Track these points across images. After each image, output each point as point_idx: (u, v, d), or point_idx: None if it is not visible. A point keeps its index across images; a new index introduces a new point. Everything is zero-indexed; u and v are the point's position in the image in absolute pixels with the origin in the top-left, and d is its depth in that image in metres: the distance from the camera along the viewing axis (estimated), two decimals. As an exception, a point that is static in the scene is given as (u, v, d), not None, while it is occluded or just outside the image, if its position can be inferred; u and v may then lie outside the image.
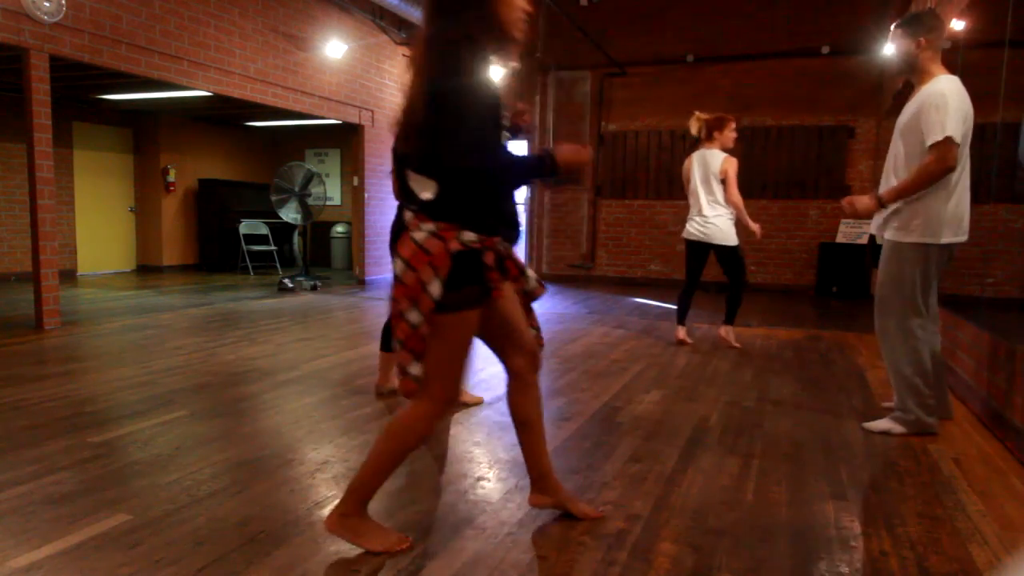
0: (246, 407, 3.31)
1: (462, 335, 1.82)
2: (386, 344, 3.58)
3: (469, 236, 1.74)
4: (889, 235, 2.99)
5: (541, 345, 2.07)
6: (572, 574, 1.82)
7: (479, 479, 2.47)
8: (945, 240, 2.88)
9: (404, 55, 9.52)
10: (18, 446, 2.69)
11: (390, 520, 2.11)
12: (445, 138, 1.68)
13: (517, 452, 2.73)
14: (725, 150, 4.99)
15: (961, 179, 2.88)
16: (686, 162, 5.17)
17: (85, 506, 2.15)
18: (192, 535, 1.98)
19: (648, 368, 4.35)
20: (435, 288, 1.72)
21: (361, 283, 9.17)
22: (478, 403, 3.44)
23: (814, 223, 9.08)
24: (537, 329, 2.08)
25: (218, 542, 1.94)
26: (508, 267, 1.88)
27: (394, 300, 1.79)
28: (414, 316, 1.76)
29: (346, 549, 1.92)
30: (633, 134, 9.86)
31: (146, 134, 10.18)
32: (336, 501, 2.24)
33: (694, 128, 5.02)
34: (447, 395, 1.86)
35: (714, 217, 5.00)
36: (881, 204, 2.94)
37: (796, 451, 2.83)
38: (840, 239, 8.65)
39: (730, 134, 4.96)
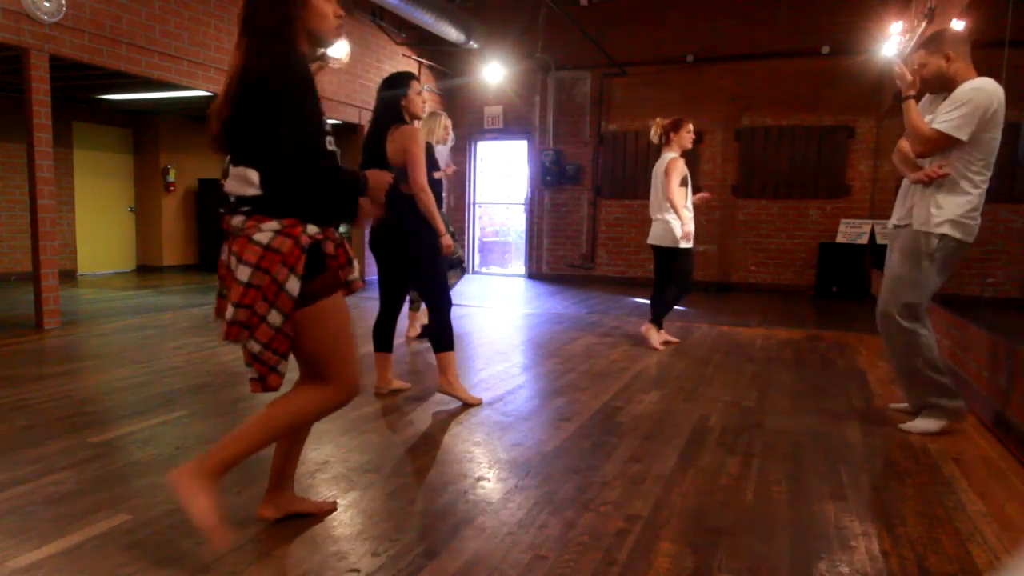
0: (246, 407, 3.31)
1: (336, 319, 1.85)
2: (381, 345, 3.59)
3: (313, 229, 1.78)
4: (925, 227, 2.96)
5: None
6: (572, 574, 1.82)
7: (479, 479, 2.47)
8: (967, 238, 2.92)
9: (404, 55, 9.53)
10: (18, 446, 2.69)
11: (390, 520, 2.11)
12: (275, 129, 1.70)
13: (517, 452, 2.74)
14: (684, 151, 5.01)
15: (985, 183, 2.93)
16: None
17: (85, 506, 2.15)
18: (192, 535, 1.98)
19: (648, 368, 4.35)
20: (293, 285, 1.73)
21: (361, 283, 9.15)
22: (477, 404, 3.44)
23: (814, 223, 9.08)
24: None
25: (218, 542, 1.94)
26: (339, 254, 1.90)
27: (245, 308, 1.72)
28: (275, 317, 1.74)
29: (346, 549, 1.92)
30: (633, 134, 9.86)
31: (146, 134, 10.18)
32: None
33: (654, 134, 5.06)
34: (349, 380, 1.87)
35: (659, 218, 5.03)
36: (906, 96, 2.98)
37: (796, 451, 2.83)
38: (840, 239, 8.65)
39: (686, 135, 4.99)
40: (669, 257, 5.04)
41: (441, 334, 3.41)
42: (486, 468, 2.58)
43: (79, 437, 2.81)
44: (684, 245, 4.95)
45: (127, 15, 5.77)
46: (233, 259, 1.77)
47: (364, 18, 8.64)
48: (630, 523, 2.12)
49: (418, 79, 3.48)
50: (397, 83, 3.35)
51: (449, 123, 5.01)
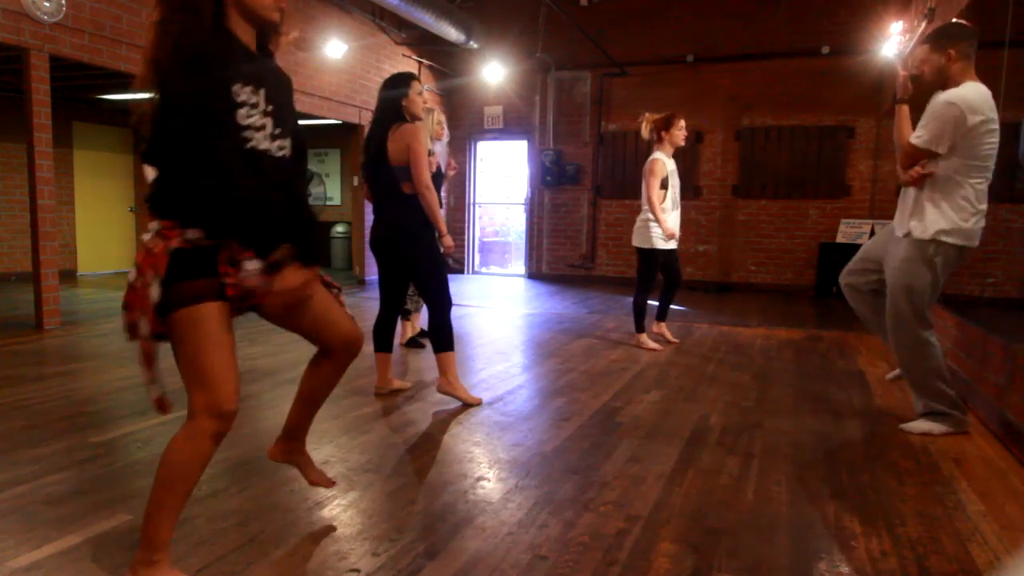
0: (246, 407, 3.31)
1: (196, 335, 1.61)
2: (381, 345, 3.58)
3: (194, 234, 1.59)
4: (939, 237, 2.93)
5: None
6: (572, 574, 1.82)
7: (479, 479, 2.47)
8: (975, 243, 2.94)
9: (404, 55, 9.53)
10: (18, 446, 2.69)
11: (390, 520, 2.11)
12: (163, 125, 1.57)
13: (517, 452, 2.74)
14: (677, 149, 4.95)
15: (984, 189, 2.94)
16: None
17: (85, 506, 2.15)
18: (192, 535, 1.98)
19: (648, 368, 4.35)
20: (154, 290, 1.59)
21: (361, 283, 9.17)
22: (477, 404, 3.44)
23: (814, 223, 9.08)
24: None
25: (218, 542, 1.94)
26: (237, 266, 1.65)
27: (128, 310, 1.64)
28: (144, 326, 1.62)
29: (346, 549, 1.92)
30: (633, 134, 9.84)
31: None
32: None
33: (645, 131, 4.97)
34: (210, 404, 1.62)
35: (639, 219, 4.98)
36: (899, 100, 3.02)
37: (796, 451, 2.83)
38: (840, 239, 8.65)
39: (678, 132, 4.88)
40: (642, 257, 4.97)
41: (441, 334, 3.41)
42: (486, 468, 2.58)
43: (79, 437, 2.81)
44: (662, 246, 4.87)
45: (127, 15, 5.77)
46: None
47: (364, 18, 8.64)
48: (630, 523, 2.12)
49: (419, 80, 3.48)
50: (398, 83, 3.35)
51: (443, 118, 5.00)
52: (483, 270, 11.41)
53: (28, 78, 5.10)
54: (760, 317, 6.75)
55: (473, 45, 9.32)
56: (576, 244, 10.36)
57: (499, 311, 6.78)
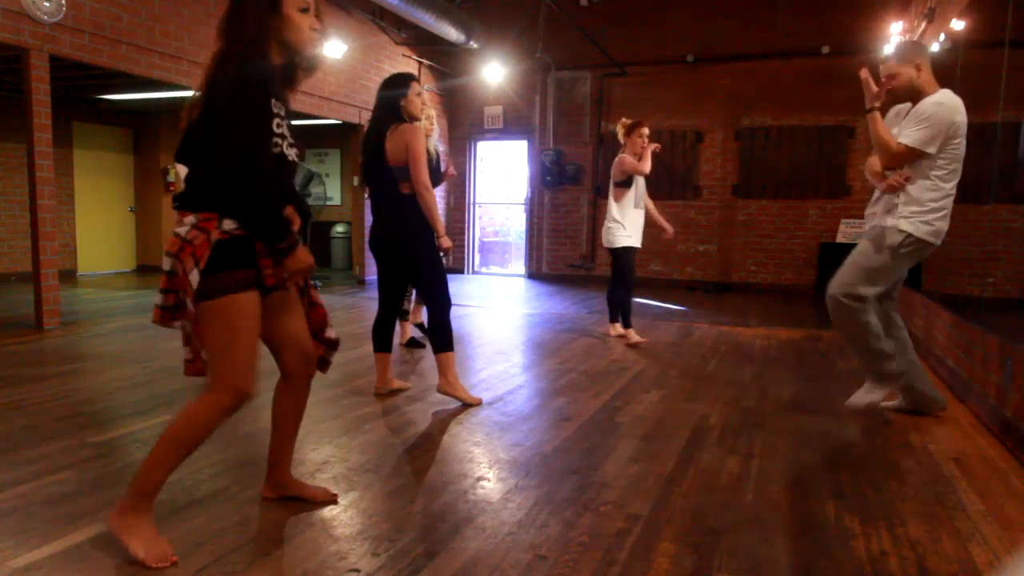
0: (246, 407, 3.31)
1: (233, 321, 1.81)
2: (380, 345, 3.58)
3: (230, 224, 1.79)
4: (890, 222, 3.06)
5: (323, 356, 2.14)
6: (572, 574, 1.82)
7: (479, 479, 2.47)
8: (938, 242, 3.04)
9: (404, 55, 9.53)
10: (18, 446, 2.69)
11: (390, 520, 2.11)
12: (215, 138, 1.77)
13: (517, 452, 2.74)
14: (636, 156, 5.19)
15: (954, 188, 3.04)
16: None
17: (85, 506, 2.15)
18: (192, 535, 1.98)
19: (648, 368, 4.35)
20: (194, 277, 1.76)
21: (361, 283, 9.17)
22: (477, 404, 3.44)
23: (814, 223, 9.08)
24: (328, 342, 2.14)
25: (218, 542, 1.94)
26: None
27: (167, 293, 1.83)
28: (189, 307, 1.82)
29: (346, 549, 1.92)
30: (633, 134, 9.85)
31: (146, 134, 10.18)
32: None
33: (620, 134, 5.31)
34: (233, 383, 1.83)
35: (606, 222, 5.33)
36: (871, 108, 3.08)
37: (796, 451, 2.83)
38: (840, 239, 8.65)
39: (637, 139, 5.16)
40: (613, 257, 5.32)
41: (441, 335, 3.41)
42: (486, 468, 2.58)
43: (79, 437, 2.81)
44: (627, 243, 5.18)
45: (127, 15, 5.77)
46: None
47: (364, 18, 8.64)
48: (630, 523, 2.12)
49: (418, 80, 3.47)
50: (397, 84, 3.36)
51: (433, 114, 5.00)
52: (483, 270, 11.41)
53: (28, 78, 5.10)
54: (760, 317, 6.75)
55: (473, 45, 9.32)
56: (576, 244, 10.36)
57: (499, 311, 6.79)
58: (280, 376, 2.13)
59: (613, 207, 5.25)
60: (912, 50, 3.12)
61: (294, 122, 1.98)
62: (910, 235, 3.00)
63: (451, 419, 3.20)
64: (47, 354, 4.51)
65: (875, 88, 3.05)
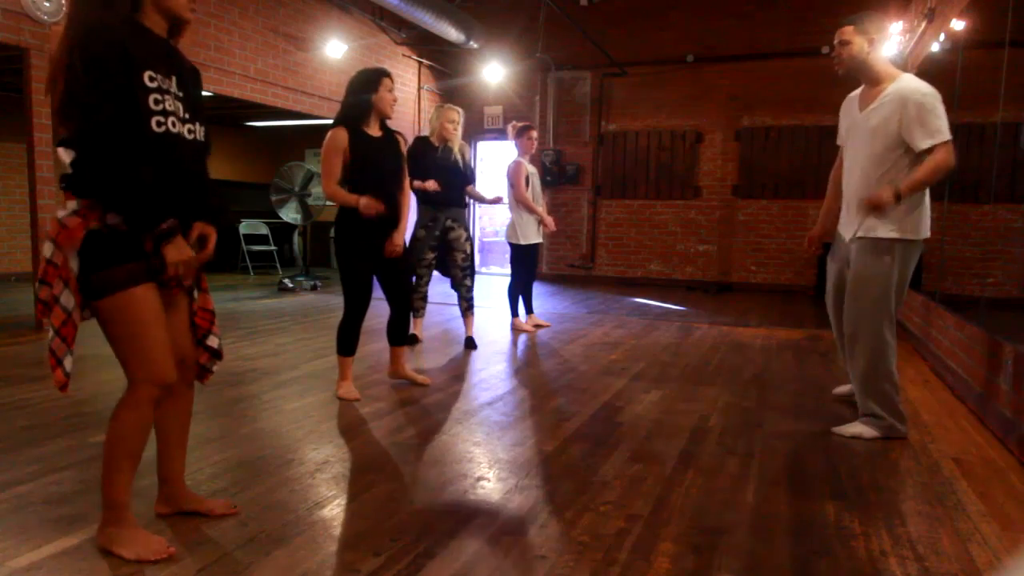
0: (246, 407, 3.31)
1: (134, 315, 1.75)
2: (393, 340, 3.69)
3: (113, 219, 1.71)
4: (881, 233, 2.93)
5: (204, 364, 2.05)
6: (572, 574, 1.82)
7: (479, 479, 2.47)
8: (926, 236, 2.95)
9: (404, 55, 9.53)
10: (18, 446, 2.69)
11: (390, 520, 2.11)
12: (77, 110, 1.65)
13: (517, 452, 2.74)
14: (532, 155, 5.73)
15: None
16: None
17: (85, 506, 2.15)
18: (192, 535, 1.98)
19: (648, 368, 4.35)
20: (74, 263, 1.72)
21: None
22: (427, 383, 3.66)
23: (814, 223, 9.00)
24: (209, 350, 2.04)
25: (218, 542, 1.94)
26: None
27: (44, 285, 1.74)
28: (67, 299, 1.74)
29: (346, 549, 1.92)
30: (633, 134, 9.86)
31: (146, 134, 10.16)
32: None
33: (509, 136, 5.73)
34: (148, 376, 1.78)
35: (510, 218, 5.69)
36: (899, 198, 2.85)
37: (796, 451, 2.83)
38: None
39: (527, 141, 5.63)
40: (517, 251, 5.64)
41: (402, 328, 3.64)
42: (486, 468, 2.58)
43: (79, 437, 2.81)
44: (532, 240, 5.61)
45: (127, 15, 5.77)
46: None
47: (364, 18, 8.64)
48: (630, 523, 2.12)
49: (390, 76, 3.36)
50: (366, 82, 3.31)
51: (457, 117, 4.96)
52: (483, 270, 11.41)
53: (28, 78, 5.09)
54: (760, 317, 6.75)
55: (473, 45, 9.32)
56: (576, 244, 10.36)
57: (499, 311, 6.78)
58: None
59: (525, 203, 5.57)
60: (873, 24, 3.00)
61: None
62: (897, 240, 2.90)
63: (451, 419, 3.20)
64: (47, 354, 4.51)
65: (884, 199, 2.85)
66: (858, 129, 3.05)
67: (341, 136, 3.26)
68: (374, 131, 3.36)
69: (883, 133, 2.92)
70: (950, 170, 2.85)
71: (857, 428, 3.05)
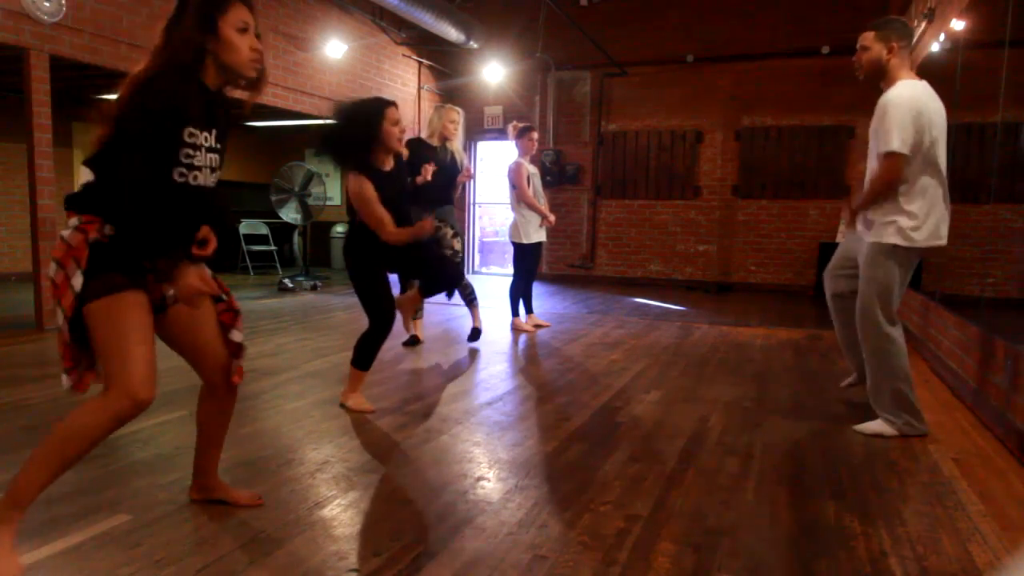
0: (246, 407, 3.31)
1: (118, 320, 1.73)
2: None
3: (111, 229, 1.75)
4: (870, 237, 3.02)
5: (235, 372, 2.05)
6: (572, 574, 1.82)
7: (479, 479, 2.47)
8: (920, 244, 2.91)
9: (404, 55, 9.53)
10: (18, 446, 2.69)
11: (390, 520, 2.11)
12: (116, 146, 1.73)
13: (517, 452, 2.74)
14: (533, 155, 5.74)
15: (932, 183, 2.91)
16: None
17: (85, 506, 2.15)
18: (192, 535, 1.98)
19: (648, 368, 4.35)
20: (77, 281, 1.71)
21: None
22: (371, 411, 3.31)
23: (814, 223, 9.08)
24: (231, 345, 2.05)
25: (218, 542, 1.94)
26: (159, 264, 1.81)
27: (58, 306, 1.76)
28: (59, 316, 1.75)
29: (346, 549, 1.92)
30: (633, 134, 9.86)
31: (146, 134, 10.16)
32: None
33: (510, 136, 5.71)
34: (127, 388, 1.72)
35: (514, 218, 5.74)
36: (855, 214, 3.03)
37: (796, 451, 2.83)
38: (840, 239, 8.64)
39: (528, 142, 5.61)
40: (520, 250, 5.70)
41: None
42: (486, 468, 2.58)
43: (79, 437, 2.81)
44: (535, 239, 5.66)
45: (127, 15, 5.77)
46: None
47: (364, 18, 8.64)
48: (630, 523, 2.12)
49: (395, 106, 3.13)
50: (366, 119, 3.06)
51: (457, 117, 4.97)
52: (483, 270, 11.41)
53: (28, 78, 5.09)
54: (760, 317, 6.75)
55: (473, 45, 9.32)
56: (576, 244, 10.36)
57: (499, 311, 6.78)
58: (203, 386, 2.09)
59: (529, 203, 5.59)
60: (896, 31, 2.98)
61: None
62: (900, 247, 2.93)
63: (451, 419, 3.20)
64: (47, 354, 4.51)
65: (847, 215, 3.01)
66: (871, 134, 3.11)
67: (368, 184, 3.07)
68: (387, 165, 3.21)
69: (872, 136, 3.02)
70: (889, 184, 2.87)
71: (877, 426, 3.06)
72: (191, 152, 1.81)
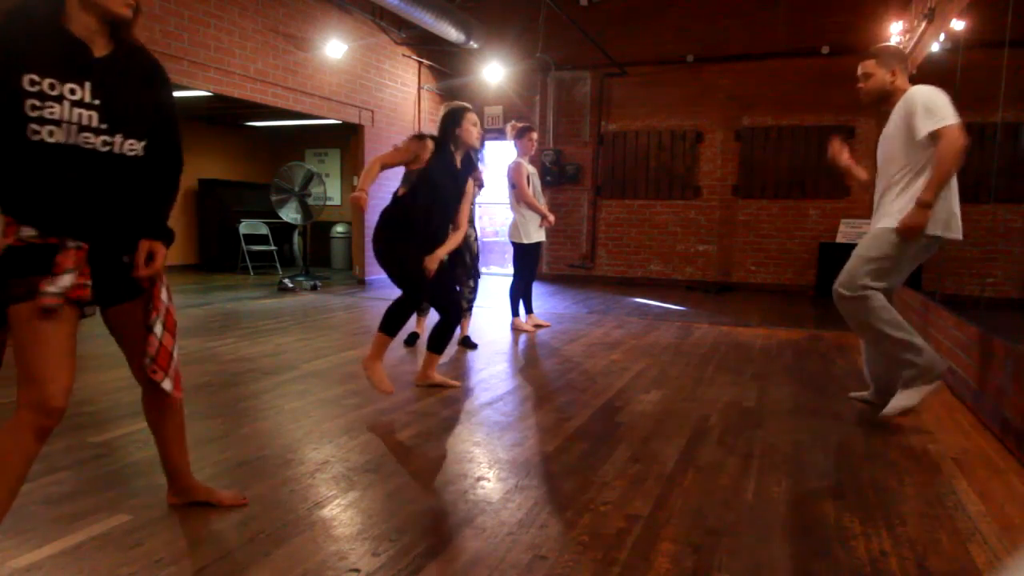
0: (246, 407, 3.31)
1: (27, 330, 1.64)
2: (431, 346, 3.67)
3: (28, 232, 1.65)
4: (883, 224, 3.08)
5: (153, 374, 1.98)
6: (572, 574, 1.82)
7: (479, 479, 2.47)
8: (931, 232, 2.96)
9: (404, 55, 9.52)
10: None
11: (390, 520, 2.11)
12: None
13: (517, 452, 2.74)
14: (533, 155, 5.79)
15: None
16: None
17: (85, 506, 2.15)
18: (192, 535, 1.98)
19: (648, 368, 4.35)
20: None
21: (361, 283, 9.17)
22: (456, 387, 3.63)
23: (814, 223, 9.08)
24: (151, 358, 1.98)
25: (218, 542, 1.94)
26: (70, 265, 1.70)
27: None
28: None
29: (346, 549, 1.92)
30: (633, 134, 9.86)
31: (146, 134, 10.16)
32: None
33: (508, 136, 5.75)
34: (34, 399, 1.64)
35: (513, 218, 5.76)
36: (928, 206, 2.93)
37: (796, 451, 2.83)
38: (840, 239, 8.65)
39: (528, 143, 5.64)
40: (521, 250, 5.71)
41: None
42: (486, 468, 2.58)
43: (79, 437, 2.81)
44: (535, 239, 5.67)
45: (127, 15, 5.76)
46: None
47: (364, 18, 8.64)
48: (630, 523, 2.12)
49: (471, 110, 3.58)
50: (451, 116, 3.53)
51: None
52: (483, 270, 11.39)
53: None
54: (760, 317, 6.75)
55: (473, 45, 9.32)
56: (576, 244, 10.36)
57: (499, 311, 6.78)
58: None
59: (529, 203, 5.60)
60: (893, 57, 3.17)
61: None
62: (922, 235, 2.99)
63: (451, 419, 3.20)
64: None
65: (916, 222, 2.94)
66: (883, 140, 3.22)
67: (428, 146, 3.42)
68: (456, 160, 3.55)
69: (893, 140, 3.09)
70: (959, 152, 2.88)
71: (900, 401, 3.08)
72: (37, 104, 1.60)
